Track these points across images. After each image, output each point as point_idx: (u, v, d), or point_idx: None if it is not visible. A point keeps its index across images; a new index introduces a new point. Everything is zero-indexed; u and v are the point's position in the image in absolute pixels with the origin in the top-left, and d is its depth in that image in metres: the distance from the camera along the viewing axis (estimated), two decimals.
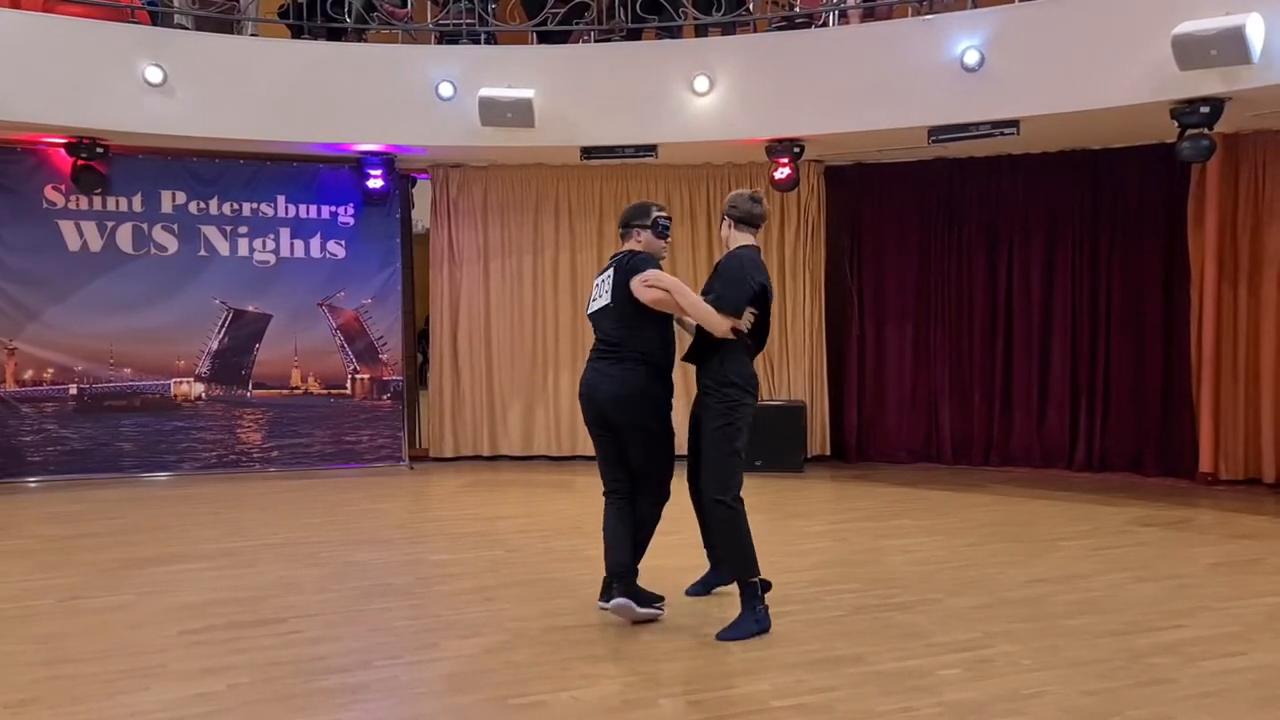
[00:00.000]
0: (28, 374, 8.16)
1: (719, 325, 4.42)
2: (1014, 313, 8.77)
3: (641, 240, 4.71)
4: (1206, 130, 6.49)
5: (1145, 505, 7.21)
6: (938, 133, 7.37)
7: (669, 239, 4.83)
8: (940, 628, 4.47)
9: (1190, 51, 6.04)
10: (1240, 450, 7.85)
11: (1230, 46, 5.91)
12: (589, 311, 4.77)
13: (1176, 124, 6.54)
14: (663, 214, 4.76)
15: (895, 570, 5.47)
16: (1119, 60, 6.50)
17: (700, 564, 5.04)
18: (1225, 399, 7.88)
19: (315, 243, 8.81)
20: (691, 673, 3.95)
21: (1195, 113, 6.40)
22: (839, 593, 5.03)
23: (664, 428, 4.66)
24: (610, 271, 4.69)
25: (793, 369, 9.12)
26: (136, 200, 8.35)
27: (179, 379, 8.58)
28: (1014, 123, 7.03)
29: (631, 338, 4.55)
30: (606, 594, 4.59)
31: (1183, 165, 7.28)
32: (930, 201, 8.98)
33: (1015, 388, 8.78)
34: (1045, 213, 8.62)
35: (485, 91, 7.62)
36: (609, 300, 4.62)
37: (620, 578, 4.54)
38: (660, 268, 4.67)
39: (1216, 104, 6.35)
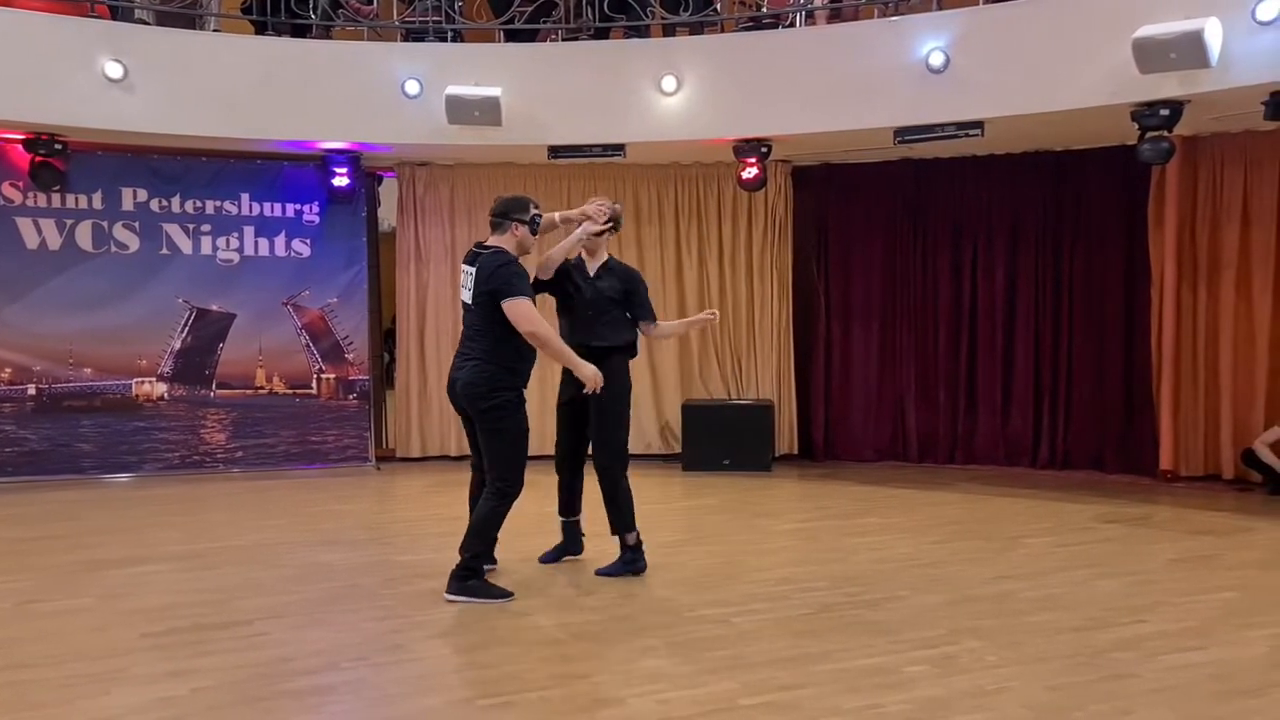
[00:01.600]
0: None
1: (587, 376, 4.89)
2: (978, 313, 8.86)
3: (519, 235, 4.88)
4: (1166, 132, 6.59)
5: (1107, 502, 7.31)
6: (903, 133, 7.42)
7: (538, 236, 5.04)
8: (907, 625, 4.51)
9: (1150, 55, 6.12)
10: (1200, 448, 7.99)
11: (1189, 50, 6.00)
12: (462, 298, 4.97)
13: (1137, 126, 6.63)
14: (539, 211, 4.96)
15: (862, 568, 5.51)
16: (1081, 63, 6.58)
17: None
18: (1185, 398, 8.01)
19: (280, 241, 8.72)
20: (659, 672, 3.95)
21: (1155, 115, 6.49)
22: (806, 591, 5.05)
23: (509, 425, 4.81)
24: (474, 271, 4.82)
25: (760, 369, 9.16)
26: (96, 198, 8.22)
27: (141, 379, 8.46)
28: (978, 124, 7.09)
29: (486, 339, 4.79)
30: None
31: (1143, 167, 7.38)
32: (896, 202, 9.05)
33: (980, 387, 8.87)
34: (1009, 213, 8.72)
35: (452, 90, 7.58)
36: (470, 300, 4.84)
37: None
38: (525, 268, 4.85)
39: (1176, 107, 6.45)
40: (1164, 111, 6.46)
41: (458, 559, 4.88)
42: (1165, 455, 8.05)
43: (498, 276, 4.72)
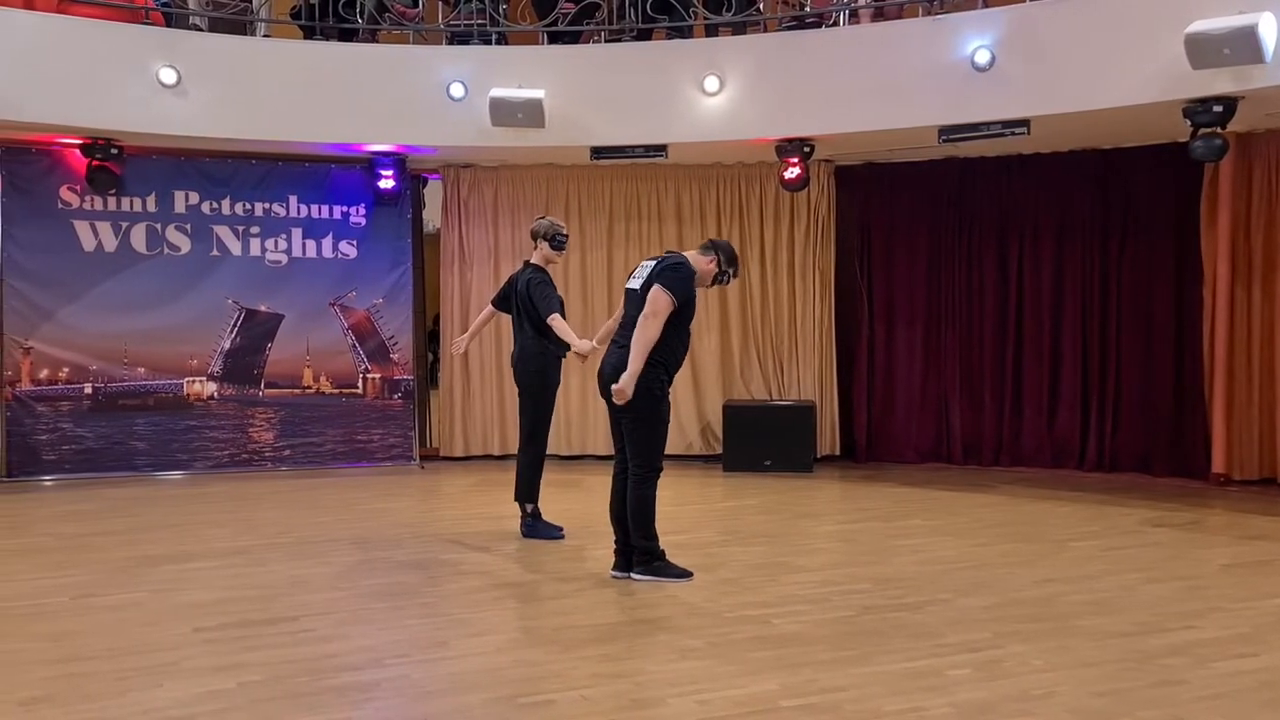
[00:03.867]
0: (43, 373, 8.22)
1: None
2: (1024, 312, 8.75)
3: (708, 267, 5.18)
4: (1219, 129, 6.46)
5: (1156, 506, 7.18)
6: (948, 132, 7.35)
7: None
8: (950, 628, 4.47)
9: (1203, 50, 6.01)
10: (1254, 450, 7.81)
11: (1243, 46, 5.89)
12: (627, 285, 5.25)
13: (1189, 123, 6.51)
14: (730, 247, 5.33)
15: (905, 570, 5.47)
16: (1130, 59, 6.48)
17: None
18: (1239, 399, 7.84)
19: (327, 243, 8.84)
20: (700, 672, 3.96)
21: (1208, 111, 6.37)
22: (848, 593, 5.03)
23: (652, 412, 5.05)
24: (652, 264, 5.11)
25: (802, 369, 9.12)
26: (150, 200, 8.40)
27: (192, 378, 8.63)
28: (1024, 122, 7.01)
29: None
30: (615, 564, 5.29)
31: (1195, 164, 7.25)
32: (940, 201, 8.96)
33: (1026, 388, 8.76)
34: (1056, 212, 8.60)
35: (496, 92, 7.64)
36: (637, 286, 5.10)
37: (619, 550, 5.25)
38: (692, 285, 5.09)
39: (1229, 103, 6.33)
40: (1217, 108, 6.34)
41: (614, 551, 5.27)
42: (1218, 458, 7.89)
43: (666, 274, 4.98)
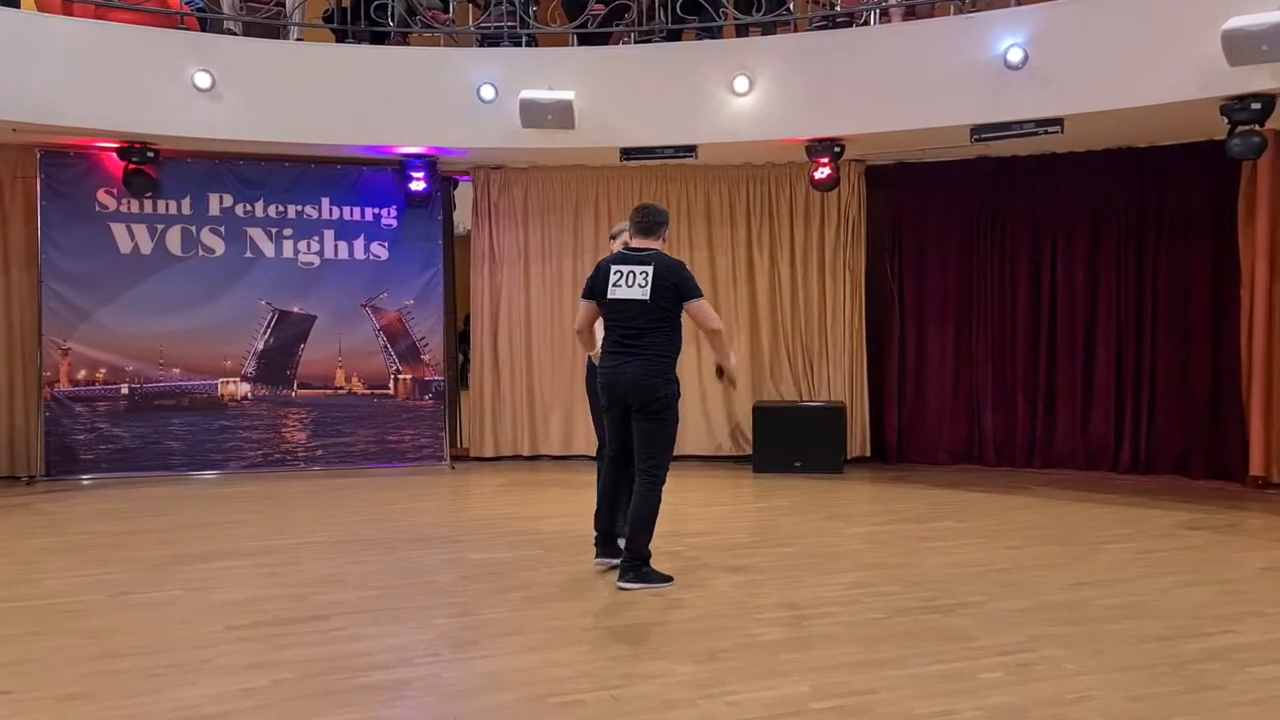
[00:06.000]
0: (80, 374, 8.35)
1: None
2: (1058, 313, 8.66)
3: (665, 241, 5.22)
4: (1258, 126, 6.37)
5: (1192, 509, 7.08)
6: (980, 131, 7.29)
7: None
8: (982, 631, 4.44)
9: (1240, 47, 5.93)
10: None
11: None
12: (613, 297, 5.08)
13: (1226, 120, 6.42)
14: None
15: (936, 573, 5.43)
16: (1167, 56, 6.40)
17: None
18: (1277, 401, 7.70)
19: (359, 244, 8.91)
20: (730, 673, 3.95)
21: (1246, 109, 6.28)
22: (879, 595, 5.00)
23: (672, 416, 5.13)
24: (649, 270, 5.00)
25: (832, 370, 9.08)
26: (185, 203, 8.51)
27: (226, 379, 8.73)
28: (1058, 121, 6.94)
29: (657, 335, 5.04)
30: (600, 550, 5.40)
31: (1232, 163, 7.14)
32: (973, 201, 8.89)
33: (1059, 389, 8.67)
34: (1090, 211, 8.51)
35: (526, 94, 7.67)
36: (646, 297, 4.99)
37: (608, 538, 5.35)
38: None
39: (1268, 100, 6.24)
40: (1255, 105, 6.25)
41: (620, 553, 5.21)
42: (1255, 460, 7.75)
43: (677, 275, 5.03)
